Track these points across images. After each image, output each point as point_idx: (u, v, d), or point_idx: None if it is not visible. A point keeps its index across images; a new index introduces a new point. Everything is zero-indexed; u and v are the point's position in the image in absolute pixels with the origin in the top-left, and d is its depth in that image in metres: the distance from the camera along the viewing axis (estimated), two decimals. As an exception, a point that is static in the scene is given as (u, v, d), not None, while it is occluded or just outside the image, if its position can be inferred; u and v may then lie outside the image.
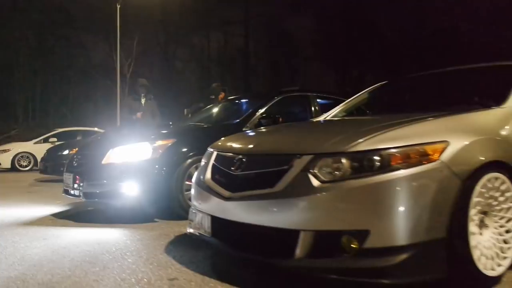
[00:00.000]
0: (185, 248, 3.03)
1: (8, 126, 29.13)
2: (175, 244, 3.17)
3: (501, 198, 2.25)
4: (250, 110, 4.87)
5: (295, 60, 42.61)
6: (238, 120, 4.67)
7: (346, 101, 3.87)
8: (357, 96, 3.89)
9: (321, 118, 3.74)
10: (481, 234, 2.20)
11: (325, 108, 4.69)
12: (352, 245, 1.95)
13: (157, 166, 4.00)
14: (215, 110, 5.74)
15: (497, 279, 2.19)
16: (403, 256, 1.90)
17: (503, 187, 2.24)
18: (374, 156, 2.00)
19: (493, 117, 2.49)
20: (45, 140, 13.37)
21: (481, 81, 3.19)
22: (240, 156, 2.43)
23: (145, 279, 2.36)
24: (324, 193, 2.00)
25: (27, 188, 7.75)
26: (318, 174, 2.05)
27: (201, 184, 2.65)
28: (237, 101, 5.61)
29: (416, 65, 31.01)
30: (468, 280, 2.08)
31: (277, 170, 2.18)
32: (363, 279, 1.95)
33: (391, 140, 2.06)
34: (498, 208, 2.25)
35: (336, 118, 3.52)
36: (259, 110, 4.83)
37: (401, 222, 1.91)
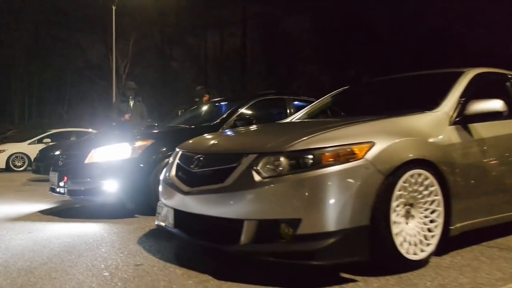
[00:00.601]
0: (155, 239, 3.33)
1: (5, 127, 29.43)
2: (148, 236, 3.47)
3: (425, 192, 2.56)
4: (227, 113, 5.16)
5: (292, 60, 42.73)
6: (214, 122, 4.97)
7: (311, 105, 4.18)
8: (321, 100, 4.20)
9: (286, 120, 4.05)
10: (407, 223, 2.51)
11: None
12: (287, 232, 2.25)
13: (136, 165, 4.30)
14: (196, 112, 6.05)
15: (421, 262, 2.49)
16: (331, 240, 2.21)
17: (426, 182, 2.55)
18: (308, 155, 2.31)
19: (423, 120, 2.80)
20: (39, 141, 13.65)
21: (426, 87, 3.50)
22: (199, 155, 2.74)
23: (113, 265, 2.66)
24: (264, 187, 2.31)
25: (19, 187, 8.03)
26: (261, 170, 2.36)
27: (166, 180, 2.96)
28: (217, 104, 5.91)
29: (412, 65, 31.46)
30: (391, 263, 2.39)
31: (227, 168, 2.49)
32: (296, 261, 2.26)
33: (324, 141, 2.37)
34: (423, 200, 2.56)
35: (295, 121, 3.83)
36: (235, 113, 5.13)
37: (328, 211, 2.22)
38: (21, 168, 13.33)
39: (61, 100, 38.43)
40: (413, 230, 2.51)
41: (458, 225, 2.74)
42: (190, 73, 44.82)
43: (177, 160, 3.00)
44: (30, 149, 13.11)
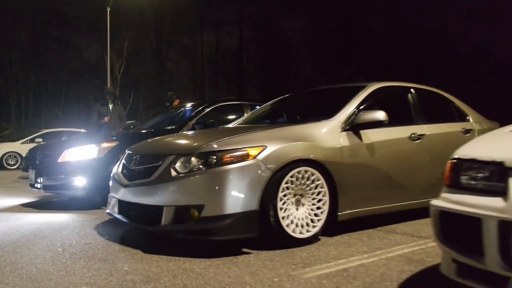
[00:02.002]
0: (109, 225, 4.02)
1: (1, 127, 30.11)
2: (104, 223, 4.15)
3: (312, 185, 3.24)
4: (187, 117, 5.84)
5: (287, 60, 43.08)
6: (175, 126, 5.64)
7: (252, 112, 4.86)
8: (262, 107, 4.88)
9: (228, 126, 4.71)
10: (297, 209, 3.19)
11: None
12: (195, 215, 2.94)
13: (102, 164, 4.97)
14: (165, 116, 6.73)
15: (307, 240, 3.17)
16: (227, 221, 2.89)
17: (313, 177, 3.23)
18: (212, 156, 3.00)
19: (318, 128, 3.48)
20: (31, 141, 14.31)
21: (335, 99, 4.18)
22: (136, 155, 3.43)
23: (68, 243, 3.35)
24: (179, 181, 3.00)
25: (9, 183, 8.71)
26: (177, 168, 3.05)
27: (114, 176, 3.65)
28: (183, 108, 6.58)
29: (408, 66, 32.06)
30: (278, 240, 3.07)
31: (154, 166, 3.18)
32: (201, 237, 2.95)
33: (226, 145, 3.06)
34: (310, 192, 3.24)
35: (229, 126, 4.50)
36: (195, 117, 5.81)
37: (226, 199, 2.90)
38: (14, 167, 13.99)
39: (58, 100, 39.05)
40: (302, 214, 3.19)
41: (345, 212, 3.42)
42: (186, 74, 45.34)
43: (123, 160, 3.68)
44: (23, 148, 13.75)
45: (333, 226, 3.42)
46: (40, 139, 14.02)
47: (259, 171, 2.98)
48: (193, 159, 3.03)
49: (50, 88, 39.12)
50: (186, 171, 3.03)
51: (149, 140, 3.94)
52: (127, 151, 3.77)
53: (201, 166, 3.00)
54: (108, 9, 25.07)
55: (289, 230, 3.09)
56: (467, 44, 32.80)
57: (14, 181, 9.30)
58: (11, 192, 7.04)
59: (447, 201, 1.94)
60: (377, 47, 35.79)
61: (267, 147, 3.07)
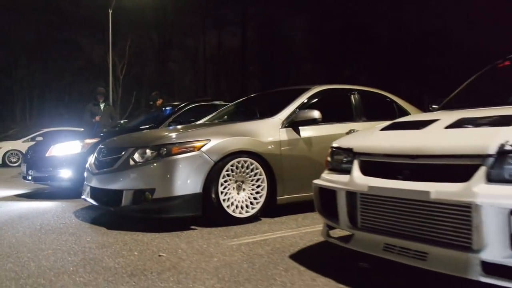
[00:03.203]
0: (86, 210, 4.62)
1: (7, 126, 30.90)
2: (83, 209, 4.75)
3: (252, 173, 3.82)
4: (165, 116, 6.43)
5: (289, 60, 43.29)
6: (152, 124, 6.24)
7: (218, 110, 5.44)
8: (227, 107, 5.46)
9: (198, 122, 5.26)
10: (238, 193, 3.77)
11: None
12: (149, 197, 3.53)
13: (84, 158, 5.55)
14: (147, 116, 7.33)
15: (247, 219, 3.74)
16: (175, 202, 3.48)
17: (252, 166, 3.81)
18: (163, 148, 3.59)
19: (260, 125, 4.07)
20: (33, 139, 14.97)
21: (283, 99, 4.74)
22: (104, 148, 4.03)
23: (46, 223, 3.95)
24: (135, 169, 3.59)
25: (9, 178, 9.34)
26: (135, 158, 3.64)
27: (87, 167, 4.25)
28: (163, 108, 7.18)
29: (409, 66, 32.39)
30: (219, 219, 3.65)
31: (116, 157, 3.78)
32: (154, 215, 3.55)
33: (176, 139, 3.66)
34: (250, 179, 3.82)
35: (192, 124, 5.08)
36: (172, 116, 6.40)
37: (173, 183, 3.48)
38: (16, 164, 14.64)
39: (61, 99, 39.84)
40: (243, 198, 3.78)
41: (283, 197, 4.00)
42: (188, 74, 45.81)
43: (95, 153, 4.29)
44: (24, 146, 14.37)
45: (274, 209, 3.99)
46: (41, 138, 14.66)
47: (203, 161, 3.57)
48: (147, 150, 3.63)
49: (54, 88, 39.93)
50: (142, 160, 3.62)
51: (119, 136, 4.53)
52: (100, 146, 4.37)
53: (154, 157, 3.60)
54: (110, 11, 25.63)
55: (229, 210, 3.67)
56: (470, 44, 33.00)
57: (13, 176, 9.92)
58: (9, 185, 7.68)
59: (323, 179, 2.53)
60: (379, 47, 36.01)
61: (211, 140, 3.66)
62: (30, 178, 5.85)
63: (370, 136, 2.43)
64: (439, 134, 2.04)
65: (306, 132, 4.22)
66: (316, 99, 4.54)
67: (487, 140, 1.77)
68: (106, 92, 8.94)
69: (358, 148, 2.33)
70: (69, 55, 39.69)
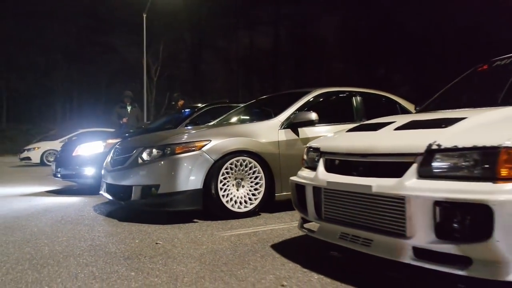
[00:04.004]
0: (105, 205, 5.05)
1: (48, 126, 32.45)
2: (102, 204, 5.18)
3: (251, 171, 4.13)
4: (183, 117, 6.82)
5: (321, 59, 43.03)
6: (169, 126, 6.64)
7: (228, 112, 5.76)
8: (236, 109, 5.79)
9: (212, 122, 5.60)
10: (237, 190, 4.09)
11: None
12: (154, 192, 3.89)
13: (106, 157, 6.01)
14: (168, 117, 7.75)
15: (245, 213, 4.05)
16: (178, 196, 3.83)
17: (250, 165, 4.12)
18: (168, 147, 3.94)
19: (260, 126, 4.37)
20: (69, 140, 15.78)
21: (286, 102, 5.01)
22: (118, 147, 4.43)
23: (67, 215, 4.38)
24: (143, 167, 3.96)
25: (44, 177, 10.01)
26: (143, 157, 4.02)
27: (104, 165, 4.67)
28: (183, 110, 7.57)
29: (446, 65, 31.73)
30: (218, 212, 3.97)
31: (127, 156, 4.17)
32: (159, 209, 3.91)
33: (180, 139, 4.00)
34: (249, 176, 4.13)
35: (210, 124, 5.41)
36: (189, 117, 6.78)
37: (176, 180, 3.83)
38: (53, 163, 15.51)
39: (99, 100, 41.32)
40: (242, 194, 4.09)
41: (281, 194, 4.28)
42: (220, 74, 46.41)
43: (111, 152, 4.70)
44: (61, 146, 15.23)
45: (273, 205, 4.28)
46: (76, 138, 15.44)
47: (203, 159, 3.90)
48: (154, 150, 4.00)
49: (92, 90, 41.47)
50: (149, 159, 3.99)
51: (133, 136, 4.93)
52: (116, 146, 4.78)
53: (160, 156, 3.96)
54: (144, 15, 26.45)
55: (228, 205, 3.99)
56: (507, 40, 31.96)
57: (48, 174, 10.58)
58: (42, 182, 8.29)
59: (298, 176, 2.80)
60: (414, 46, 35.27)
61: (211, 141, 3.99)
62: (59, 175, 6.37)
63: (337, 137, 2.69)
64: (388, 135, 2.29)
65: (304, 132, 4.48)
66: (317, 102, 4.79)
67: (419, 140, 2.01)
68: (132, 95, 9.41)
69: (324, 147, 2.59)
70: (105, 57, 41.06)
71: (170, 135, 4.20)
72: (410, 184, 1.95)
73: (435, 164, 1.93)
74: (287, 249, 2.90)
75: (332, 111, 4.89)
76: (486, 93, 3.26)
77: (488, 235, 1.70)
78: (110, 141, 6.11)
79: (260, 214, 4.21)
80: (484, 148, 1.80)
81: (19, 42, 36.99)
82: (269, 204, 4.27)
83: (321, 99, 4.85)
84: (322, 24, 44.99)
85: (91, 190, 6.21)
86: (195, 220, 3.97)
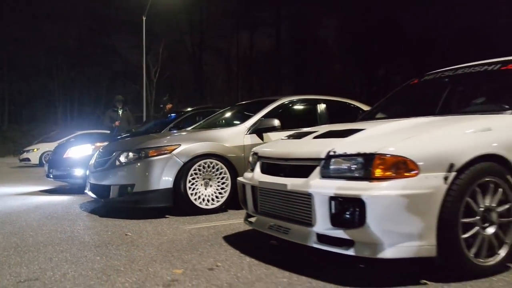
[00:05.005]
0: (90, 203, 5.54)
1: (49, 127, 33.04)
2: (88, 202, 5.66)
3: (217, 172, 4.61)
4: (169, 121, 7.31)
5: (321, 61, 43.21)
6: (156, 130, 7.13)
7: (205, 119, 6.25)
8: (212, 116, 6.28)
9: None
10: (205, 189, 4.57)
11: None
12: (130, 191, 4.38)
13: (95, 159, 6.51)
14: (155, 121, 8.24)
15: (213, 209, 4.53)
16: (150, 195, 4.32)
17: (217, 167, 4.60)
18: (142, 151, 4.44)
19: (228, 132, 4.85)
20: (67, 141, 16.29)
21: (253, 109, 5.49)
22: (100, 151, 4.93)
23: (54, 212, 4.88)
24: (120, 168, 4.46)
25: (40, 177, 10.50)
26: (120, 159, 4.51)
27: (88, 167, 5.16)
28: (169, 115, 8.06)
29: (442, 64, 31.70)
30: (187, 209, 4.46)
31: (108, 158, 4.66)
32: (134, 205, 4.40)
33: (153, 143, 4.50)
34: (216, 177, 4.61)
35: (188, 129, 5.91)
36: (174, 122, 7.27)
37: (149, 180, 4.32)
38: (51, 164, 16.03)
39: (99, 102, 41.86)
40: (209, 192, 4.57)
41: (246, 192, 4.76)
42: (220, 76, 46.80)
43: (95, 154, 5.20)
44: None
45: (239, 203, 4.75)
46: (73, 140, 15.94)
47: (173, 162, 4.39)
48: (130, 153, 4.49)
49: (93, 91, 42.02)
50: (125, 161, 4.49)
51: (116, 140, 5.43)
52: (99, 149, 5.28)
53: (135, 158, 4.45)
54: (144, 18, 26.88)
55: (196, 203, 4.47)
56: (505, 40, 32.02)
57: (44, 175, 11.11)
58: (37, 182, 8.80)
59: (243, 177, 3.29)
60: (413, 46, 35.29)
61: (181, 145, 4.48)
62: (51, 176, 6.87)
63: (272, 144, 3.19)
64: (306, 143, 2.77)
65: (268, 137, 4.96)
66: (283, 109, 5.28)
67: (323, 148, 2.49)
68: (124, 99, 9.90)
69: (260, 153, 3.08)
70: (107, 59, 41.52)
71: (146, 140, 4.69)
72: (314, 183, 2.44)
73: (332, 167, 2.41)
74: (235, 239, 3.39)
75: (297, 117, 5.37)
76: (415, 105, 3.75)
77: (363, 222, 2.18)
78: (98, 144, 6.60)
79: (227, 211, 4.69)
80: (364, 154, 2.28)
81: (21, 43, 37.56)
82: (236, 202, 4.74)
83: (287, 106, 5.34)
84: (323, 25, 45.33)
85: (80, 190, 6.68)
86: (166, 216, 4.46)
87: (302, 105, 5.59)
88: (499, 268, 2.39)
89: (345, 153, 2.36)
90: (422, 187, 2.18)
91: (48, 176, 7.06)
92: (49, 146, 16.30)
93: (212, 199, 4.58)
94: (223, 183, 4.64)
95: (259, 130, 4.93)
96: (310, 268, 2.57)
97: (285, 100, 5.37)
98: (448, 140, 2.33)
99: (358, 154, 2.30)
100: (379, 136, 2.49)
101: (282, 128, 4.88)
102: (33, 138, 26.65)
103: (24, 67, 37.99)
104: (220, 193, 4.63)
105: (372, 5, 37.07)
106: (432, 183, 2.19)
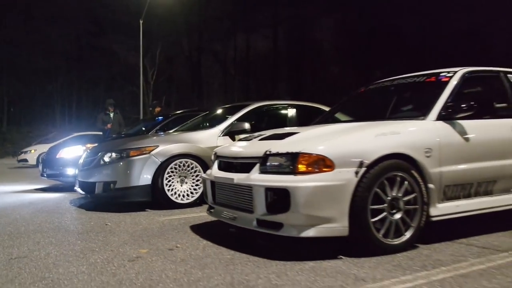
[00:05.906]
0: (81, 199, 6.05)
1: (48, 129, 33.58)
2: (79, 198, 6.18)
3: (192, 170, 5.13)
4: (154, 124, 7.83)
5: (317, 62, 43.54)
6: (144, 132, 7.64)
7: (186, 122, 6.77)
8: (193, 119, 6.79)
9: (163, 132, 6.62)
10: (181, 185, 5.09)
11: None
12: (112, 187, 4.90)
13: (85, 159, 7.03)
14: (143, 124, 8.76)
15: (189, 204, 5.04)
16: (131, 191, 4.84)
17: (192, 165, 5.12)
18: (124, 151, 4.95)
19: (203, 134, 5.37)
20: (61, 142, 16.80)
21: (228, 113, 6.00)
22: (88, 151, 5.45)
23: (46, 207, 5.39)
24: (104, 166, 4.98)
25: (36, 177, 11.00)
26: (104, 159, 5.03)
27: (78, 166, 5.68)
28: (157, 118, 8.58)
29: (436, 66, 31.98)
30: (164, 203, 4.97)
31: (93, 158, 5.18)
32: (117, 200, 4.92)
33: (134, 144, 5.02)
34: (191, 174, 5.13)
35: (171, 131, 6.44)
36: (159, 125, 7.79)
37: (130, 177, 4.84)
38: (48, 164, 16.54)
39: (97, 104, 42.33)
40: (185, 189, 5.09)
41: (219, 188, 5.28)
42: (217, 78, 47.26)
43: (84, 154, 5.72)
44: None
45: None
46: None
47: (152, 161, 4.91)
48: (113, 153, 5.02)
49: (91, 93, 42.50)
50: (109, 160, 5.01)
51: (105, 141, 5.95)
52: (87, 150, 5.80)
53: (117, 158, 4.97)
54: (141, 21, 27.31)
55: (172, 198, 4.99)
56: (500, 43, 32.34)
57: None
58: (33, 181, 9.32)
59: (205, 174, 3.80)
60: (409, 48, 35.70)
61: (159, 146, 5.00)
62: (45, 175, 7.39)
63: (229, 145, 3.71)
64: (253, 144, 3.29)
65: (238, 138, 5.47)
66: (255, 113, 5.80)
67: (263, 148, 3.01)
68: (115, 102, 10.42)
69: (218, 152, 3.61)
70: (105, 61, 41.89)
71: (128, 141, 5.22)
72: (254, 177, 2.95)
73: (267, 163, 2.93)
74: (200, 227, 3.90)
75: (268, 121, 5.89)
76: (360, 111, 4.27)
77: (287, 208, 2.70)
78: (89, 145, 7.12)
79: (202, 205, 5.19)
80: (291, 153, 2.80)
81: (20, 46, 38.05)
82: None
83: (259, 111, 5.86)
84: (319, 27, 45.67)
85: (72, 188, 7.20)
86: (147, 209, 4.97)
87: (273, 110, 6.11)
88: (405, 246, 2.91)
89: (278, 152, 2.88)
90: (336, 179, 2.70)
91: (42, 175, 7.57)
92: (46, 148, 16.71)
93: (187, 195, 5.09)
94: (197, 180, 5.16)
95: (231, 133, 5.44)
96: (253, 248, 3.08)
97: (257, 105, 5.88)
98: (361, 142, 2.86)
99: (287, 153, 2.82)
100: (307, 138, 3.02)
101: (254, 130, 5.39)
102: (32, 140, 27.13)
103: (23, 69, 38.47)
104: (194, 189, 5.14)
105: (369, 8, 37.50)
106: (344, 176, 2.71)
